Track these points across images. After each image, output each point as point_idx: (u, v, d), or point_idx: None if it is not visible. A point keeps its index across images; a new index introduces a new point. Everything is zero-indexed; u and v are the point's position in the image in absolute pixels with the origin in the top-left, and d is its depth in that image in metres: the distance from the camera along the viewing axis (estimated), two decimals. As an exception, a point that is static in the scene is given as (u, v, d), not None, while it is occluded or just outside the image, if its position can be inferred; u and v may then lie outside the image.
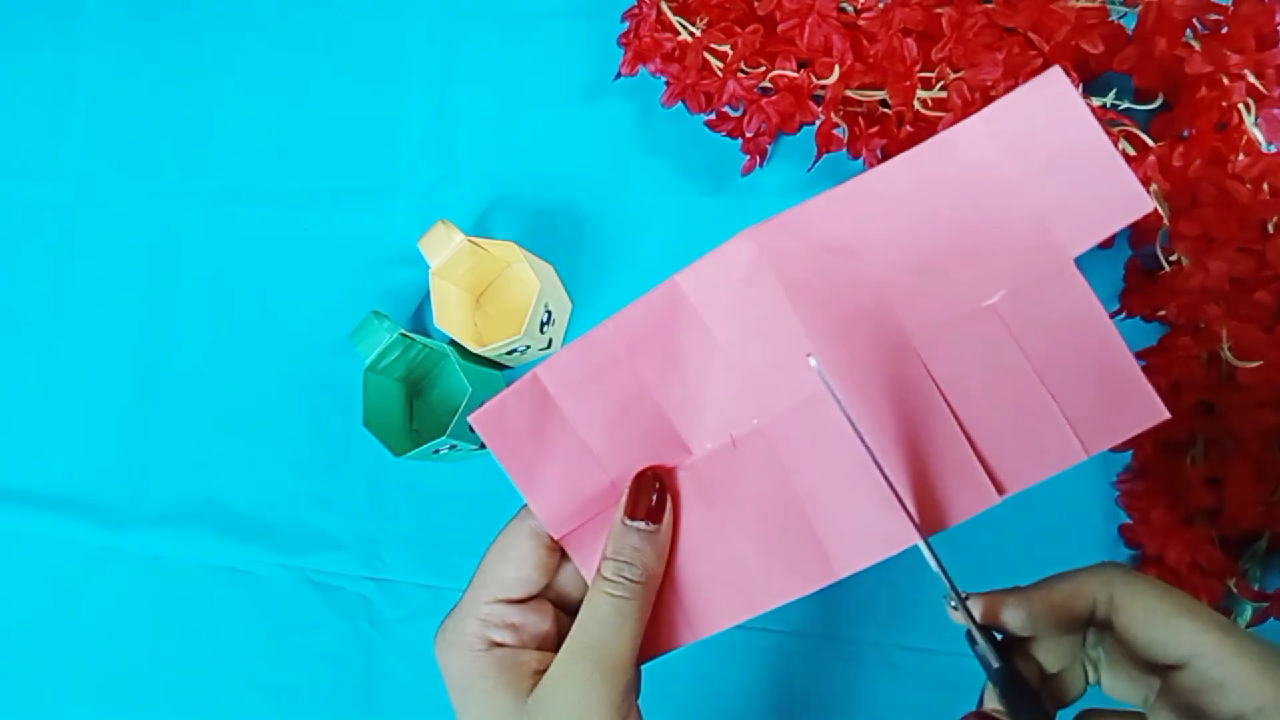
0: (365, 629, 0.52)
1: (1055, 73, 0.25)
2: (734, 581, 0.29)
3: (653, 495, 0.28)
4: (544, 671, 0.27)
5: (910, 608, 0.47)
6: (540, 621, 0.29)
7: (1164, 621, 0.24)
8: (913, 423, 0.27)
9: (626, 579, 0.27)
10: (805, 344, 0.27)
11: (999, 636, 0.28)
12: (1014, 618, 0.27)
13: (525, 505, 0.30)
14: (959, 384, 0.27)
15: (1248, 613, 0.42)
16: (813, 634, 0.47)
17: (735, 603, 0.29)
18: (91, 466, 0.57)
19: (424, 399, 0.54)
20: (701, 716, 0.48)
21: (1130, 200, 0.25)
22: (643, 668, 0.30)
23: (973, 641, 0.27)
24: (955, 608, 0.27)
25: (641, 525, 0.28)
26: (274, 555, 0.54)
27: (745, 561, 0.29)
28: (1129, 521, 0.45)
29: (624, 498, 0.28)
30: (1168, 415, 0.26)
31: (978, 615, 0.27)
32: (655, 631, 0.29)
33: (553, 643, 0.29)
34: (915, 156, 0.26)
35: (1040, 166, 0.26)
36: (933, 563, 0.27)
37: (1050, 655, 0.27)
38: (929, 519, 0.27)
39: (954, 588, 0.27)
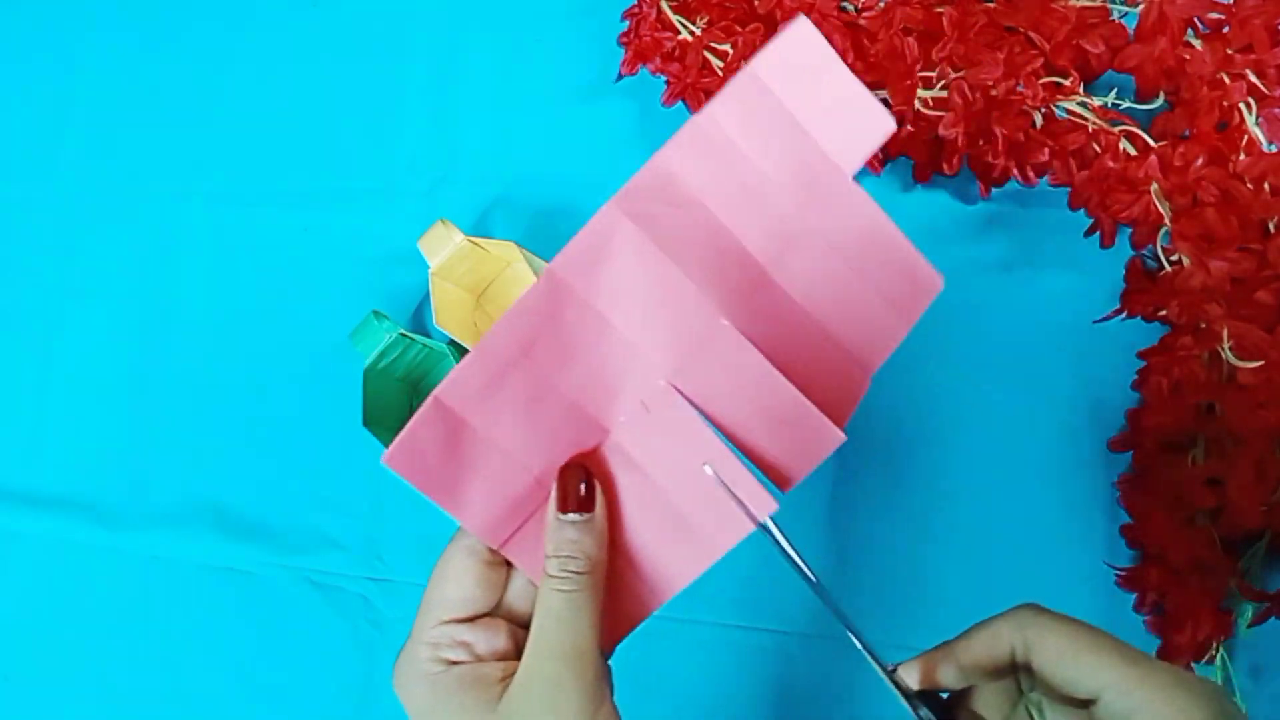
0: (365, 629, 0.52)
1: (801, 21, 0.30)
2: (681, 537, 0.29)
3: (580, 485, 0.28)
4: (508, 678, 0.27)
5: (910, 608, 0.47)
6: (493, 639, 0.28)
7: (1073, 659, 0.25)
8: (793, 344, 0.30)
9: (572, 572, 0.27)
10: (693, 295, 0.29)
11: (944, 695, 0.29)
12: (946, 674, 0.28)
13: (459, 528, 0.30)
14: (812, 298, 0.31)
15: (1248, 613, 0.42)
16: (813, 634, 0.47)
17: (687, 557, 0.29)
18: (91, 466, 0.57)
19: (423, 399, 0.53)
20: (701, 716, 0.48)
21: (882, 124, 0.30)
22: (629, 666, 0.30)
23: (914, 708, 0.28)
24: (892, 678, 0.28)
25: (574, 517, 0.28)
26: (274, 555, 0.54)
27: (686, 516, 0.29)
28: (1130, 522, 0.45)
29: (552, 494, 0.29)
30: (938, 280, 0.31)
31: (915, 682, 0.28)
32: (619, 609, 0.29)
33: (512, 657, 0.28)
34: (723, 100, 0.29)
35: (812, 106, 0.30)
36: (858, 643, 0.29)
37: (991, 705, 0.28)
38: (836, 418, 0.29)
39: (879, 662, 0.28)
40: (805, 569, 0.29)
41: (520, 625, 0.29)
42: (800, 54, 0.30)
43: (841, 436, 0.29)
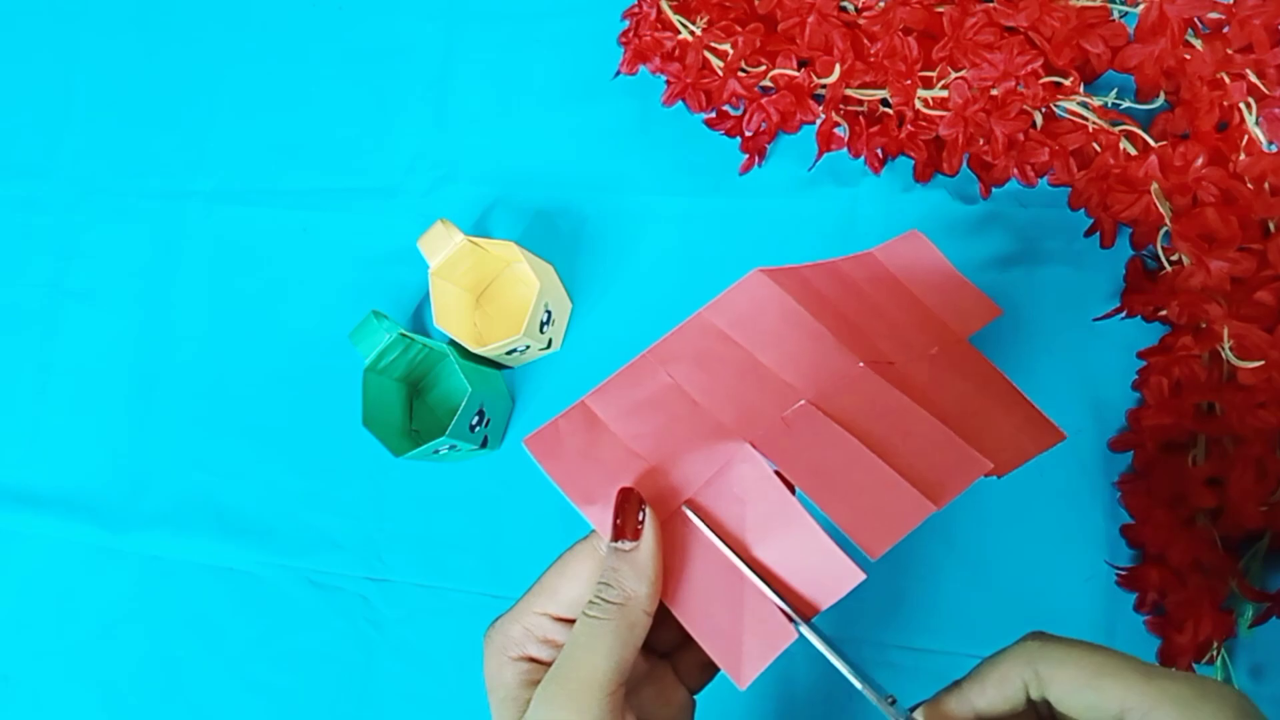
0: (365, 629, 0.52)
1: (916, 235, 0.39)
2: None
3: (635, 513, 0.28)
4: None
5: (910, 607, 0.47)
6: None
7: (1089, 685, 0.25)
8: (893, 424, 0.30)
9: (603, 600, 0.27)
10: (833, 343, 0.31)
11: None
12: (962, 713, 0.27)
13: (593, 531, 0.29)
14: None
15: (1249, 613, 0.42)
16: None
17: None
18: (91, 466, 0.57)
19: (424, 399, 0.54)
20: (701, 716, 0.48)
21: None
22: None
23: None
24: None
25: (620, 545, 0.28)
26: (274, 555, 0.54)
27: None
28: (1130, 522, 0.45)
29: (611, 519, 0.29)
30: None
31: None
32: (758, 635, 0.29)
33: None
34: (858, 258, 0.36)
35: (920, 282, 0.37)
36: (860, 685, 0.28)
37: None
38: (935, 494, 0.28)
39: (879, 696, 0.28)
40: (846, 669, 0.28)
41: None
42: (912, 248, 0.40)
43: (987, 464, 0.29)
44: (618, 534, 0.28)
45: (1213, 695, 0.24)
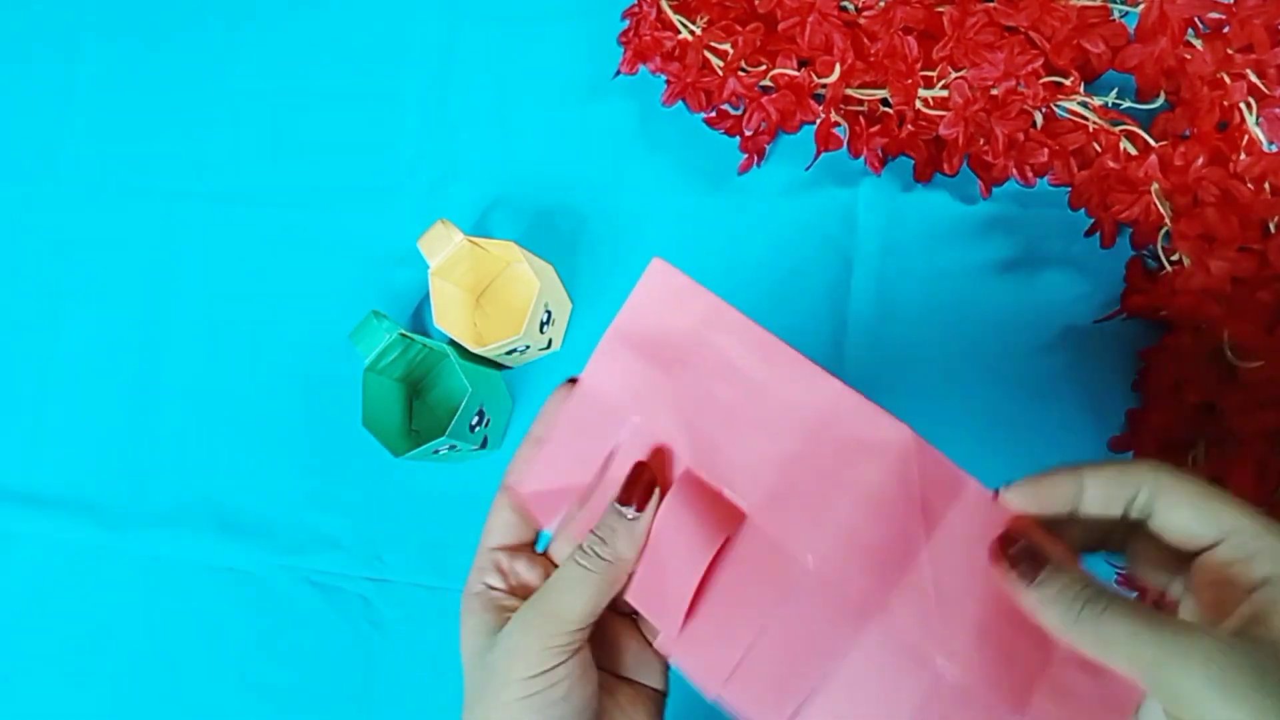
0: (365, 629, 0.52)
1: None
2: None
3: (646, 485, 0.30)
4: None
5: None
6: (527, 572, 0.32)
7: (1205, 504, 0.26)
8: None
9: (595, 552, 0.30)
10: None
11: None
12: (1058, 490, 0.28)
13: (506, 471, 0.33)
14: None
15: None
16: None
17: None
18: (91, 466, 0.57)
19: (424, 399, 0.54)
20: (700, 717, 0.48)
21: None
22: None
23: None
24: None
25: (626, 510, 0.30)
26: (274, 555, 0.54)
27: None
28: (1130, 521, 0.45)
29: (621, 484, 0.31)
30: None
31: (1023, 499, 0.28)
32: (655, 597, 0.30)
33: None
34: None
35: None
36: None
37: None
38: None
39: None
40: None
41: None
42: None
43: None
44: (625, 499, 0.30)
45: None
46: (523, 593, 0.31)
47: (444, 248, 0.49)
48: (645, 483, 0.30)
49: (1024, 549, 0.27)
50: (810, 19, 0.46)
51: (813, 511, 0.29)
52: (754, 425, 0.30)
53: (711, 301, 0.31)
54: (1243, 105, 0.43)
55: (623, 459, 0.31)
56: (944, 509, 0.28)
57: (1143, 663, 0.25)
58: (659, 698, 0.33)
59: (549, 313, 0.50)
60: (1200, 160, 0.43)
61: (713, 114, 0.50)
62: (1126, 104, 0.44)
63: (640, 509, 0.30)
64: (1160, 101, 0.45)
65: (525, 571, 0.32)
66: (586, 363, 0.32)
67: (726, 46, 0.47)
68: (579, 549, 0.30)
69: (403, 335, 0.49)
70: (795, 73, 0.47)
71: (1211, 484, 0.27)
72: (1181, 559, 0.27)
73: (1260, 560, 0.25)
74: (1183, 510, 0.26)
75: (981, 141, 0.45)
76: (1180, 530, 0.27)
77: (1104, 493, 0.27)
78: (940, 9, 0.45)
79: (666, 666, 0.33)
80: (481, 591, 0.32)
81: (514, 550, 0.32)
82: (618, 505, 0.30)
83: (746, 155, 0.50)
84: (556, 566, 0.32)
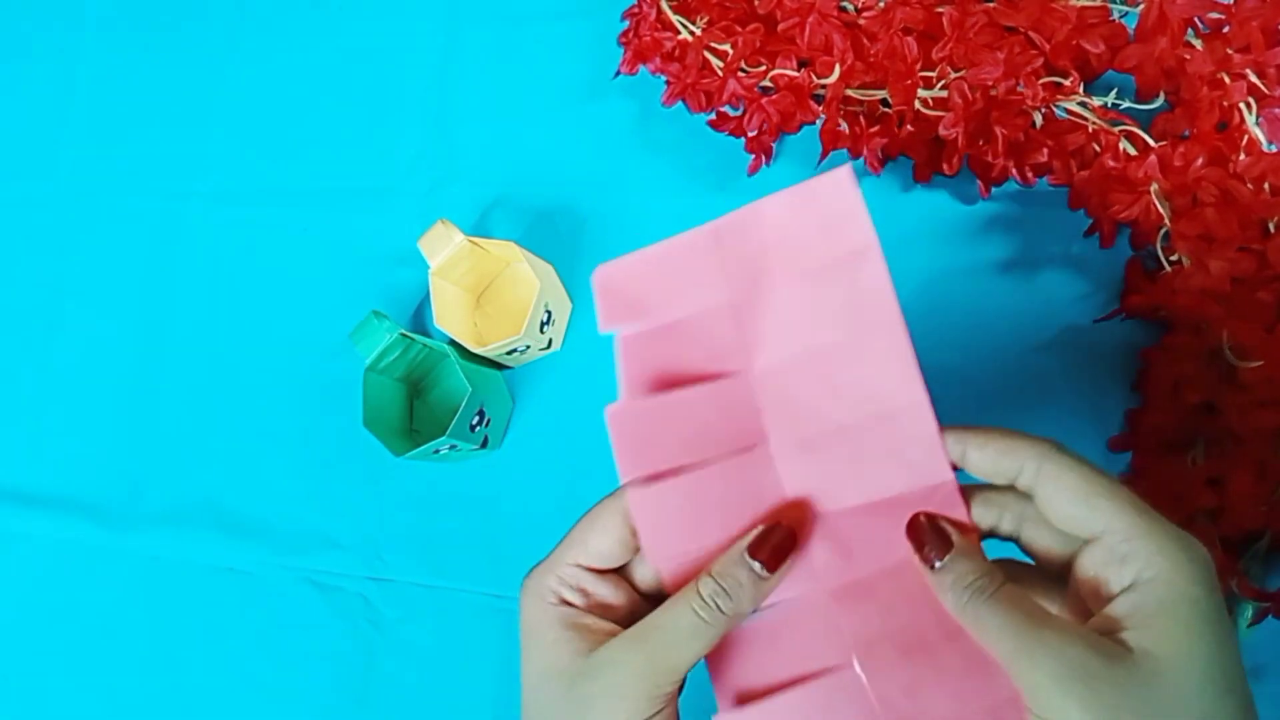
0: (365, 629, 0.52)
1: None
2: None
3: (783, 547, 0.29)
4: (604, 634, 0.29)
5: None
6: (611, 594, 0.30)
7: (1084, 499, 0.26)
8: None
9: (718, 607, 0.28)
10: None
11: None
12: (952, 449, 0.29)
13: (624, 485, 0.30)
14: None
15: (1249, 612, 0.42)
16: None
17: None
18: (91, 466, 0.57)
19: (424, 399, 0.54)
20: (701, 717, 0.48)
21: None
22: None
23: None
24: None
25: (757, 566, 0.28)
26: (274, 555, 0.54)
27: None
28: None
29: (753, 532, 0.29)
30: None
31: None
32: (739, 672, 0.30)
33: (618, 615, 0.30)
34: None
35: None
36: None
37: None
38: None
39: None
40: None
41: (637, 591, 0.31)
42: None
43: None
44: (756, 552, 0.28)
45: (1191, 548, 0.25)
46: (601, 613, 0.30)
47: (444, 248, 0.49)
48: (779, 545, 0.29)
49: (931, 529, 0.28)
50: (810, 20, 0.46)
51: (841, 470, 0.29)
52: (827, 378, 0.29)
53: (867, 237, 0.29)
54: (1242, 105, 0.43)
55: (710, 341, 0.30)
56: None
57: (1004, 652, 0.25)
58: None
59: (549, 313, 0.50)
60: (1200, 160, 0.43)
61: (713, 116, 0.50)
62: (1126, 104, 0.44)
63: (771, 571, 0.28)
64: (1160, 102, 0.45)
65: (609, 594, 0.30)
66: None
67: (726, 47, 0.48)
68: (697, 595, 0.28)
69: (403, 335, 0.49)
70: (795, 73, 0.47)
71: (1097, 474, 0.26)
72: (1070, 542, 0.27)
73: (1128, 565, 0.25)
74: (1063, 497, 0.26)
75: (981, 142, 0.46)
76: (1061, 518, 0.27)
77: (989, 463, 0.28)
78: (940, 9, 0.45)
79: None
80: (559, 605, 0.30)
81: (603, 573, 0.30)
82: (749, 559, 0.28)
83: (755, 156, 0.50)
84: (638, 591, 0.30)
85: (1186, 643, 0.24)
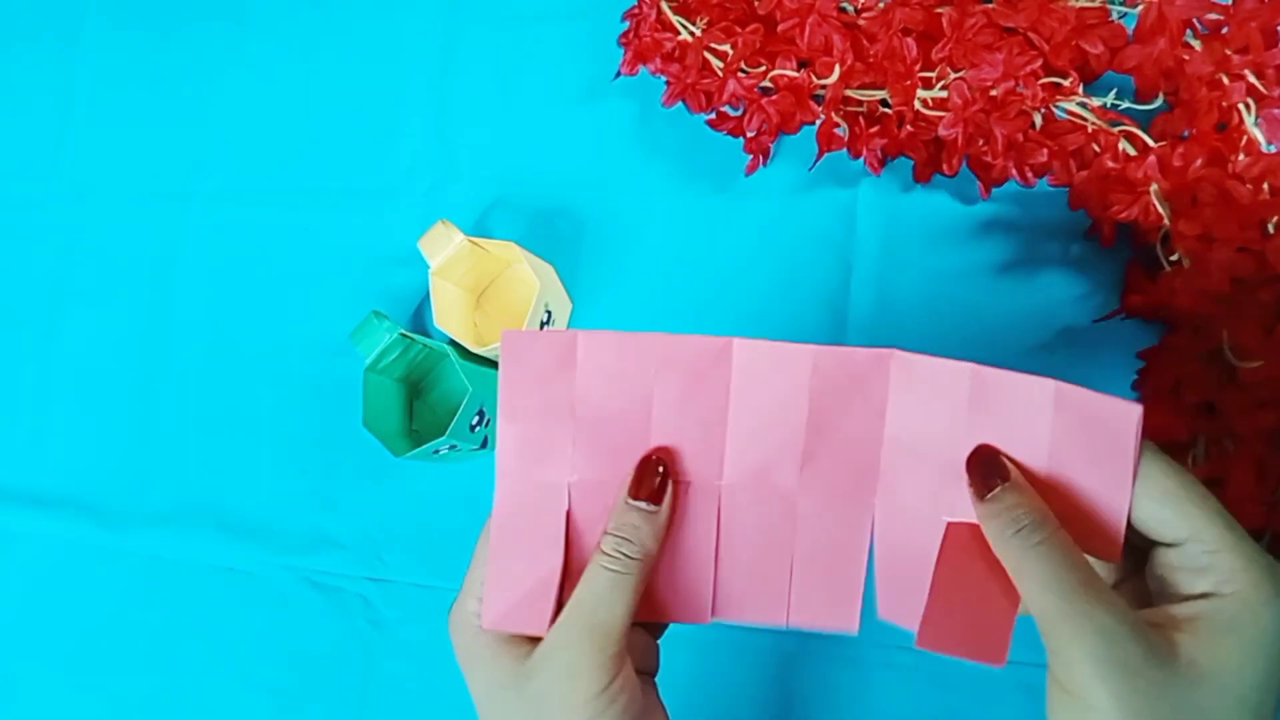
0: (365, 629, 0.52)
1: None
2: (773, 583, 0.31)
3: (655, 479, 0.30)
4: (539, 640, 0.29)
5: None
6: None
7: (1176, 504, 0.26)
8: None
9: (624, 554, 0.29)
10: (796, 453, 0.30)
11: None
12: None
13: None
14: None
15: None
16: (813, 634, 0.47)
17: (768, 603, 0.31)
18: (91, 466, 0.57)
19: (424, 399, 0.54)
20: (701, 717, 0.48)
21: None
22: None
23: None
24: None
25: (643, 505, 0.29)
26: (274, 555, 0.54)
27: (796, 568, 0.31)
28: (1129, 521, 0.45)
29: (629, 478, 0.30)
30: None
31: None
32: (681, 599, 0.31)
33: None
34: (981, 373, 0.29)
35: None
36: None
37: None
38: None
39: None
40: None
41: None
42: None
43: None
44: (637, 493, 0.29)
45: (1275, 580, 0.25)
46: None
47: (444, 248, 0.49)
48: (652, 473, 0.30)
49: (986, 461, 0.28)
50: (810, 20, 0.46)
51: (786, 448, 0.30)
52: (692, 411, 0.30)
53: (570, 336, 0.30)
54: (1241, 106, 0.43)
55: (583, 513, 0.31)
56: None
57: (1045, 608, 0.25)
58: (653, 675, 0.33)
59: (549, 313, 0.50)
60: (1199, 161, 0.43)
61: (713, 116, 0.50)
62: (1125, 105, 0.44)
63: (657, 502, 0.29)
64: (1159, 102, 0.45)
65: None
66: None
67: (726, 48, 0.48)
68: (602, 554, 0.29)
69: (403, 335, 0.49)
70: (795, 74, 0.47)
71: (1192, 480, 0.26)
72: (1141, 539, 0.27)
73: (1206, 576, 0.25)
74: (1152, 503, 0.26)
75: (981, 142, 0.46)
76: (1147, 516, 0.26)
77: None
78: (939, 10, 0.45)
79: (658, 646, 0.33)
80: (486, 631, 0.30)
81: None
82: (633, 501, 0.29)
83: (752, 156, 0.50)
84: None
85: (1237, 663, 0.24)
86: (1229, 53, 0.42)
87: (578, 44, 0.55)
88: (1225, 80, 0.43)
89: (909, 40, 0.45)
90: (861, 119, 0.47)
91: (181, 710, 0.54)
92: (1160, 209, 0.43)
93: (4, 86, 0.65)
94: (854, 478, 0.30)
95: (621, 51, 0.51)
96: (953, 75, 0.44)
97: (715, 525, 0.31)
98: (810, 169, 0.50)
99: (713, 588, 0.31)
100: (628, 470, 0.30)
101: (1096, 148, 0.45)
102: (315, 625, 0.53)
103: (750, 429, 0.30)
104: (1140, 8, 0.43)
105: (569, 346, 0.30)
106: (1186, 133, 0.45)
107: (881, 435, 0.30)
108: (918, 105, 0.45)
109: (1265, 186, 0.43)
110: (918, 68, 0.45)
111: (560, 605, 0.29)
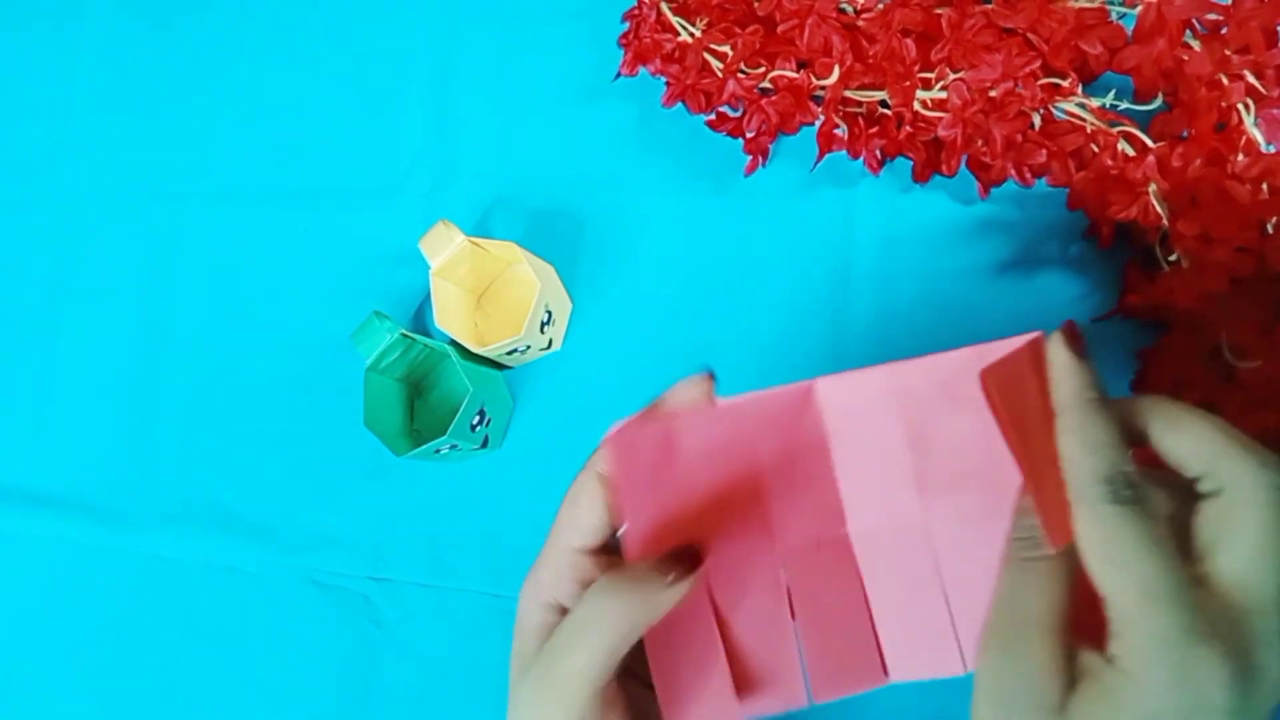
0: (366, 629, 0.52)
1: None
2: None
3: (689, 568, 0.28)
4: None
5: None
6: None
7: (1200, 440, 0.26)
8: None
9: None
10: (910, 479, 0.29)
11: None
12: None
13: (593, 454, 0.30)
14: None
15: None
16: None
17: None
18: (91, 466, 0.57)
19: (425, 399, 0.54)
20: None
21: None
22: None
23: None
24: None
25: (667, 577, 0.27)
26: (274, 555, 0.54)
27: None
28: (1128, 521, 0.45)
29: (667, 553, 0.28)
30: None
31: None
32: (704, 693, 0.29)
33: None
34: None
35: None
36: None
37: None
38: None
39: None
40: None
41: None
42: None
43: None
44: (667, 570, 0.27)
45: None
46: None
47: (445, 248, 0.49)
48: (689, 564, 0.27)
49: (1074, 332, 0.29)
50: (809, 21, 0.46)
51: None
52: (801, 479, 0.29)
53: (666, 427, 0.29)
54: (1240, 106, 0.43)
55: (724, 596, 0.29)
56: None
57: (1116, 560, 0.25)
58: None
59: (549, 313, 0.50)
60: (1198, 161, 0.43)
61: (713, 117, 0.50)
62: (1124, 105, 0.44)
63: (678, 580, 0.27)
64: (1158, 102, 0.45)
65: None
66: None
67: (726, 49, 0.48)
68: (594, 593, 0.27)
69: (404, 335, 0.49)
70: (794, 75, 0.47)
71: (1216, 420, 0.26)
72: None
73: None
74: (1178, 440, 0.26)
75: (980, 143, 0.46)
76: (1170, 446, 0.27)
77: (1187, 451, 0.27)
78: (938, 11, 0.45)
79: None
80: (547, 608, 0.28)
81: (597, 553, 0.28)
82: (656, 570, 0.27)
83: (751, 157, 0.50)
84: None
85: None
86: (1228, 53, 0.42)
87: (578, 45, 0.55)
88: (1224, 80, 0.43)
89: (908, 41, 0.45)
90: (861, 120, 0.47)
91: (182, 710, 0.54)
92: (1159, 209, 0.43)
93: (4, 86, 0.65)
94: (976, 486, 0.28)
95: (621, 52, 0.51)
96: (952, 76, 0.44)
97: (857, 577, 0.29)
98: (811, 170, 0.50)
99: (875, 643, 0.30)
100: (755, 542, 0.29)
101: (1095, 148, 0.45)
102: (317, 624, 0.53)
103: (857, 468, 0.29)
104: (1139, 8, 0.43)
105: (668, 434, 0.28)
106: (1185, 133, 0.45)
107: (985, 434, 0.28)
108: (917, 106, 0.45)
109: (1264, 187, 0.43)
110: (917, 68, 0.45)
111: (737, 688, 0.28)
